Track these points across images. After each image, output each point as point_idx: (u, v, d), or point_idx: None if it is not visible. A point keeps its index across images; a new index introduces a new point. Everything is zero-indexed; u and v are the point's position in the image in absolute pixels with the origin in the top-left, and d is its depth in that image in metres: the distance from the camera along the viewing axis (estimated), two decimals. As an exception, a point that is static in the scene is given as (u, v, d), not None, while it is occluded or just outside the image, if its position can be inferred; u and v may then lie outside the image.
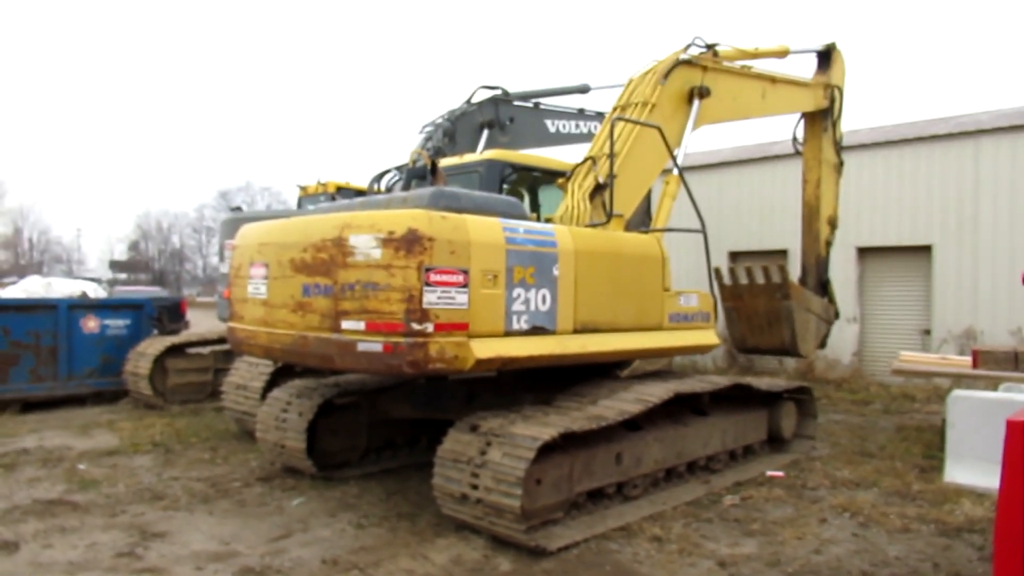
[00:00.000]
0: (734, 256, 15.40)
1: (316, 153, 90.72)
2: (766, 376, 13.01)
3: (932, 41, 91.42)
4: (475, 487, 5.10)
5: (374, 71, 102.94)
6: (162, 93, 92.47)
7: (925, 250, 13.19)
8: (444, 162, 8.27)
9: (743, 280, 9.31)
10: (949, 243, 12.86)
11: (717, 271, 9.45)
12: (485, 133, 10.47)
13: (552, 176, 7.99)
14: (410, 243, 4.91)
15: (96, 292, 13.22)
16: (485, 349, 5.19)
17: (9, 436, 8.93)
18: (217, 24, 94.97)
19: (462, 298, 5.08)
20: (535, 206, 8.49)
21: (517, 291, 5.44)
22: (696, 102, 7.91)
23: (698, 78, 7.96)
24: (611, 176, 6.59)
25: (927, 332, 13.12)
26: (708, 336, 7.37)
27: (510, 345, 5.38)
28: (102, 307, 11.54)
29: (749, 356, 13.54)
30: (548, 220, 6.86)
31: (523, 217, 6.00)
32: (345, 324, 5.16)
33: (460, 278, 5.07)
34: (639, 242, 6.80)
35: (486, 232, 5.31)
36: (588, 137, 11.74)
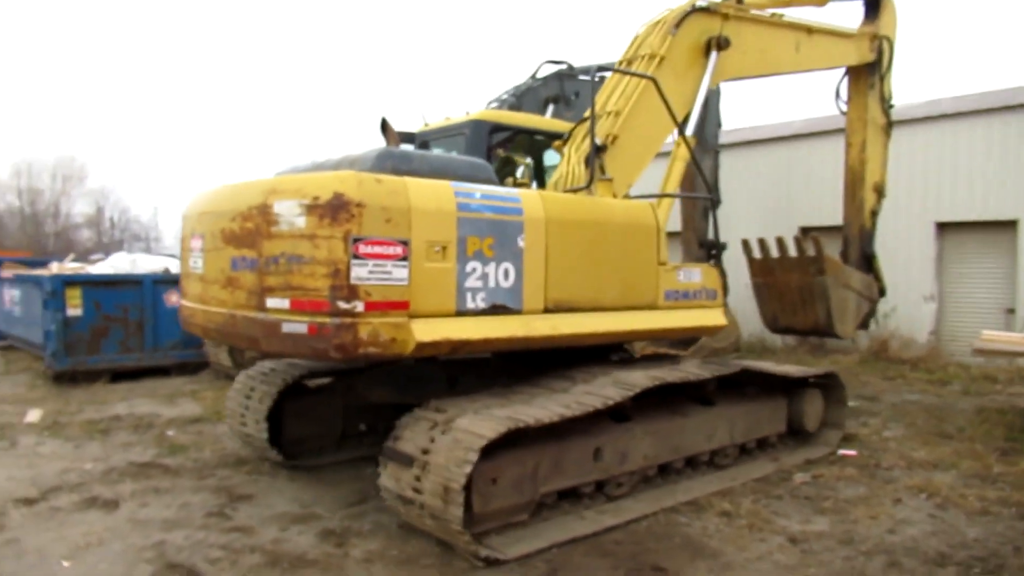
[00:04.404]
0: (805, 231, 14.99)
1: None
2: (839, 355, 12.73)
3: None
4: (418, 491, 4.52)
5: (422, 50, 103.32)
6: (235, 78, 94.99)
7: (1010, 225, 12.58)
8: (431, 125, 7.86)
9: (774, 253, 8.61)
10: (1037, 217, 12.24)
11: (745, 243, 8.89)
12: (550, 108, 10.43)
13: (555, 139, 7.34)
14: (335, 210, 4.29)
15: (177, 268, 13.81)
16: (429, 331, 4.55)
17: (102, 403, 9.51)
18: (276, 7, 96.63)
19: (400, 273, 4.45)
20: (539, 170, 7.93)
21: (472, 265, 4.77)
22: (714, 54, 7.10)
23: (716, 27, 7.15)
24: (592, 137, 5.88)
25: (1011, 311, 12.53)
26: (714, 316, 6.63)
27: (462, 326, 4.73)
28: (184, 282, 12.05)
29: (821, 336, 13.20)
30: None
31: (489, 181, 5.28)
32: (270, 302, 4.54)
33: (398, 250, 4.44)
34: (628, 209, 6.01)
35: (432, 197, 4.62)
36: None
